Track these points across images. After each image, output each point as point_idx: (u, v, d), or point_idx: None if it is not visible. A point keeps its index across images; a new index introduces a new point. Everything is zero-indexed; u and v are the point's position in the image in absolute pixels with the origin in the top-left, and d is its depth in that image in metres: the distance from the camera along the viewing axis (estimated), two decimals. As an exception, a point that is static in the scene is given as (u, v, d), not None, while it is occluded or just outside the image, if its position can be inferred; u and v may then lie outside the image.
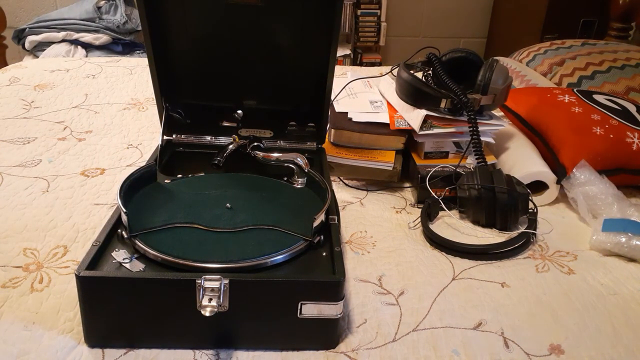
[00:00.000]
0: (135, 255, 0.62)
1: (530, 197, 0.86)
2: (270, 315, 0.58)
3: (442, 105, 0.92)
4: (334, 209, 0.72)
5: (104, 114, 1.28)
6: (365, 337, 0.63)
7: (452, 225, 0.88)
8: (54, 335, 0.60)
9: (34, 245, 0.77)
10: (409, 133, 0.97)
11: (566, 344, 0.63)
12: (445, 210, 0.89)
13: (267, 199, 0.75)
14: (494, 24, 2.96)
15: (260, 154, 0.83)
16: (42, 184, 0.94)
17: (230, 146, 0.83)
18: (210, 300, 0.56)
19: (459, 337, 0.63)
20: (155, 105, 0.88)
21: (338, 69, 1.68)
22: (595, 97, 1.10)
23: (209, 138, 0.90)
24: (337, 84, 1.12)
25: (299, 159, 0.80)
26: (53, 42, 2.25)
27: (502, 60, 1.72)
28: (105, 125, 1.21)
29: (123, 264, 0.61)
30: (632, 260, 0.80)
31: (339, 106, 1.02)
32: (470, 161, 0.95)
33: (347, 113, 0.99)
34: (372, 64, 2.72)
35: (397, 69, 1.00)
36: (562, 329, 0.65)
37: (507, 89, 0.95)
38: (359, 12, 2.72)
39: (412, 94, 0.94)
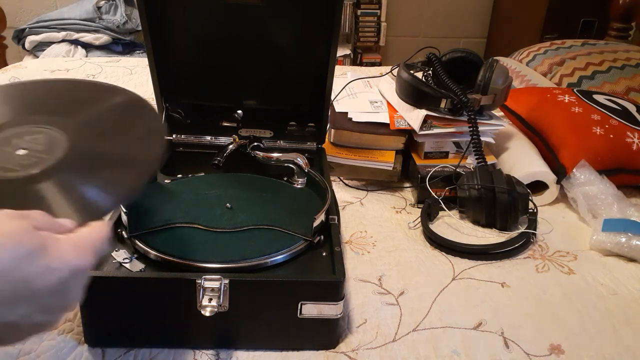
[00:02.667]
0: (135, 255, 0.62)
1: (530, 197, 0.86)
2: (270, 315, 0.58)
3: (442, 105, 0.92)
4: (334, 209, 0.72)
5: (104, 114, 1.27)
6: (365, 337, 0.63)
7: (452, 225, 0.88)
8: (54, 335, 0.60)
9: (34, 245, 0.77)
10: (409, 133, 0.97)
11: (566, 344, 0.63)
12: (445, 210, 0.89)
13: (267, 199, 0.75)
14: (494, 24, 2.96)
15: (260, 154, 0.83)
16: (42, 184, 0.93)
17: (230, 146, 0.83)
18: (210, 300, 0.56)
19: (459, 337, 0.63)
20: (155, 105, 0.89)
21: (338, 69, 1.68)
22: (595, 97, 1.10)
23: (209, 138, 0.90)
24: (337, 84, 1.12)
25: (299, 159, 0.80)
26: (53, 42, 2.26)
27: (502, 60, 1.72)
28: (105, 125, 1.21)
29: (123, 264, 0.61)
30: (632, 260, 0.80)
31: (339, 106, 1.02)
32: (470, 161, 0.95)
33: (347, 113, 0.99)
34: (372, 64, 2.73)
35: (397, 69, 1.00)
36: (562, 329, 0.65)
37: (507, 89, 0.95)
38: (359, 12, 2.72)
39: (412, 94, 0.94)
